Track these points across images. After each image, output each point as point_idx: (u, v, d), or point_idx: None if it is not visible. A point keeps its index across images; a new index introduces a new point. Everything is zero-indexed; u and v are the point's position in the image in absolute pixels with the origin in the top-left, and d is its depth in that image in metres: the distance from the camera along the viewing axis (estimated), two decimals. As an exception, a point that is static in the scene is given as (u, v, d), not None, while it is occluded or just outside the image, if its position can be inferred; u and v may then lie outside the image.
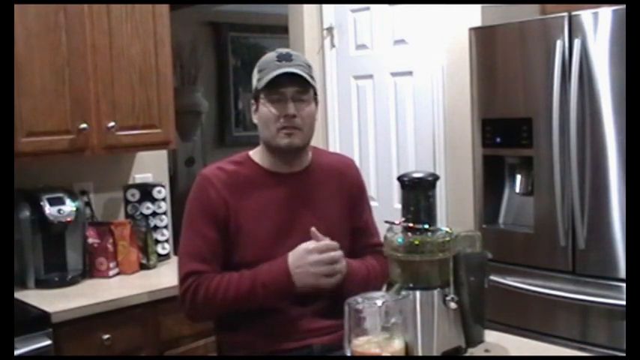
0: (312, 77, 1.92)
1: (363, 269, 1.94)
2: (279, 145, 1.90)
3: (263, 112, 1.91)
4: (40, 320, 2.30)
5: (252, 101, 1.97)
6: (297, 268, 1.81)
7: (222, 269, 1.90)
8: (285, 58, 1.90)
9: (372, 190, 3.53)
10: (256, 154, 2.00)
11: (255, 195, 1.93)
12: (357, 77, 3.69)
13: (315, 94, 1.95)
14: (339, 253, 1.85)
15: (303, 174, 1.99)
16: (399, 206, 1.77)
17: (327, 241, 1.84)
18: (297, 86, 1.89)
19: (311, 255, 1.81)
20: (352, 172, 2.11)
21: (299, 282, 1.81)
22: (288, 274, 1.81)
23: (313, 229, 1.85)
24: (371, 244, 2.06)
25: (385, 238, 1.73)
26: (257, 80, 1.92)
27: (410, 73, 3.42)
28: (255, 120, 1.97)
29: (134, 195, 2.98)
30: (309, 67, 1.94)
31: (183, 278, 1.89)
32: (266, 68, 1.90)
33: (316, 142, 2.10)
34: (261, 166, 1.97)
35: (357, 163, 3.47)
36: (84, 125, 2.63)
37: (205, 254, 1.88)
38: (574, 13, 2.63)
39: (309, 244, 1.83)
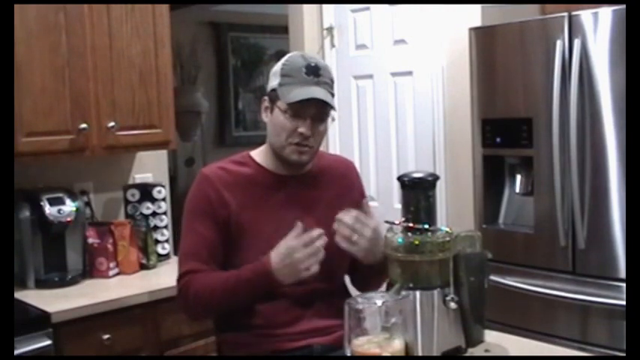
0: (333, 94, 1.90)
1: None
2: (288, 160, 1.90)
3: (278, 120, 1.88)
4: (40, 320, 2.30)
5: (266, 99, 1.93)
6: (283, 268, 1.76)
7: (221, 270, 1.89)
8: (314, 72, 1.86)
9: (372, 190, 3.53)
10: (259, 155, 1.99)
11: (257, 196, 1.92)
12: (357, 77, 3.69)
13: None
14: (321, 241, 1.77)
15: (305, 177, 1.98)
16: (399, 206, 1.77)
17: (308, 234, 1.77)
18: (320, 107, 1.87)
19: (296, 252, 1.75)
20: (353, 175, 2.11)
21: (285, 279, 1.78)
22: (271, 273, 1.77)
23: (298, 223, 1.79)
24: None
25: (385, 238, 1.73)
26: (279, 84, 1.87)
27: (410, 73, 3.43)
28: (264, 119, 1.95)
29: (134, 195, 2.98)
30: (333, 81, 1.92)
31: (179, 277, 1.90)
32: (292, 76, 1.86)
33: (316, 141, 2.10)
34: (264, 167, 1.96)
35: (357, 163, 3.50)
36: (84, 125, 2.63)
37: (203, 254, 1.88)
38: (574, 13, 2.63)
39: (291, 241, 1.76)
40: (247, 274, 1.82)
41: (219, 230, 1.89)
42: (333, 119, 1.97)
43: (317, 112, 1.87)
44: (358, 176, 2.13)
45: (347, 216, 1.80)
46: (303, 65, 1.86)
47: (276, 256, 1.78)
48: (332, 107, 1.89)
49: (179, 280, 1.90)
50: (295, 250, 1.76)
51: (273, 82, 1.90)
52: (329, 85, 1.89)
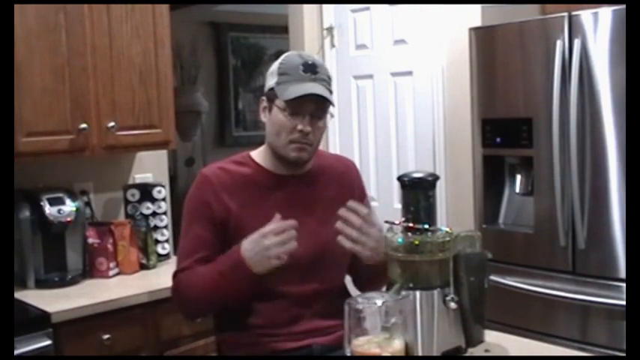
0: (331, 91, 1.89)
1: None
2: (288, 158, 1.89)
3: (277, 119, 1.88)
4: (40, 320, 2.30)
5: (264, 99, 1.93)
6: (254, 255, 1.75)
7: None
8: (311, 69, 1.86)
9: (372, 190, 3.53)
10: (259, 155, 1.99)
11: (257, 197, 1.92)
12: (357, 77, 3.69)
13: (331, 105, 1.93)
14: (293, 232, 1.75)
15: (306, 177, 1.98)
16: (399, 206, 1.77)
17: (282, 222, 1.76)
18: (318, 104, 1.86)
19: (266, 239, 1.74)
20: (353, 174, 2.11)
21: (256, 268, 1.75)
22: (242, 261, 1.76)
23: (277, 215, 1.78)
24: None
25: (385, 238, 1.73)
26: (276, 83, 1.87)
27: (410, 73, 3.43)
28: (263, 119, 1.94)
29: (134, 195, 2.98)
30: (330, 79, 1.92)
31: (172, 276, 1.92)
32: (289, 74, 1.86)
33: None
34: (264, 167, 1.96)
35: (357, 163, 3.50)
36: (84, 125, 2.63)
37: (200, 255, 1.88)
38: (574, 13, 2.63)
39: (265, 228, 1.75)
40: (221, 266, 1.81)
41: (217, 232, 1.89)
42: (332, 115, 1.96)
43: (315, 108, 1.86)
44: (359, 175, 2.13)
45: (353, 215, 1.78)
46: (300, 63, 1.87)
47: (247, 243, 1.77)
48: (330, 103, 1.89)
49: (172, 278, 1.93)
50: (265, 236, 1.75)
51: (271, 81, 1.91)
52: (326, 82, 1.89)
